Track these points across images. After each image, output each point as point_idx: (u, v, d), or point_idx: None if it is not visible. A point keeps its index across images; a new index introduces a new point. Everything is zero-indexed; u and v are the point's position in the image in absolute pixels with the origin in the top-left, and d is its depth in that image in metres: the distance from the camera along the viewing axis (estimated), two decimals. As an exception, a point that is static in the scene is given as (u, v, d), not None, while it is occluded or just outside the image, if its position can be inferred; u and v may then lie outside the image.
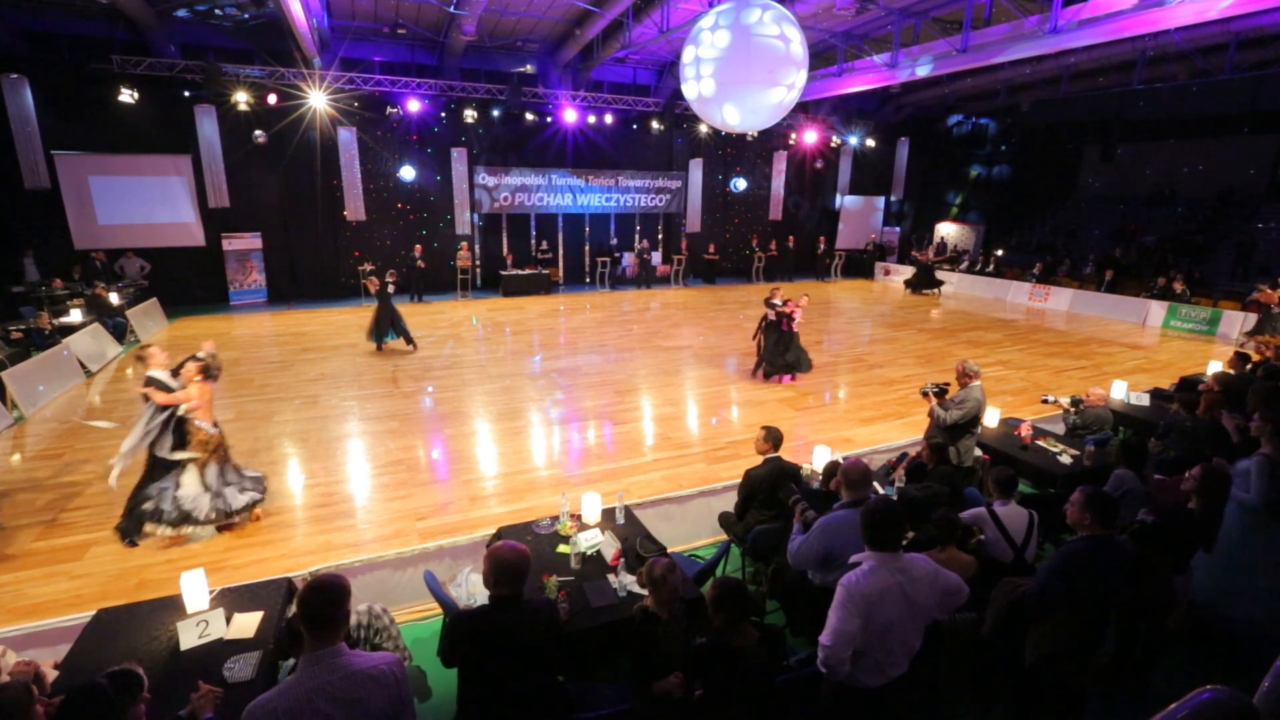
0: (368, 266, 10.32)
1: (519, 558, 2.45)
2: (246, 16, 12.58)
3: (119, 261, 13.33)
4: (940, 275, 18.20)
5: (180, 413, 4.66)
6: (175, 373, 4.79)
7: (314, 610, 1.94)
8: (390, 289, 10.36)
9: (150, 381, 4.63)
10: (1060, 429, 6.00)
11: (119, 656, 2.79)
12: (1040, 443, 5.38)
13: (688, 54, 5.58)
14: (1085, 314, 14.75)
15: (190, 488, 4.69)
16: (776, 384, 8.81)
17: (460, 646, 2.44)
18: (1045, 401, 6.25)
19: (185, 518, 4.63)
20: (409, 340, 10.45)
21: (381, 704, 1.94)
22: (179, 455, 4.68)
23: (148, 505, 4.62)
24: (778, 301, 8.94)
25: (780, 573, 3.70)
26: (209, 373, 4.80)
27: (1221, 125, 17.50)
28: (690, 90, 5.68)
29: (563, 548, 3.76)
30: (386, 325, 10.30)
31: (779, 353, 8.90)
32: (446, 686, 2.59)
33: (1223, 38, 12.83)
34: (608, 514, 4.11)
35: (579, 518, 4.02)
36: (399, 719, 2.00)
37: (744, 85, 5.34)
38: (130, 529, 4.68)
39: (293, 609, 3.21)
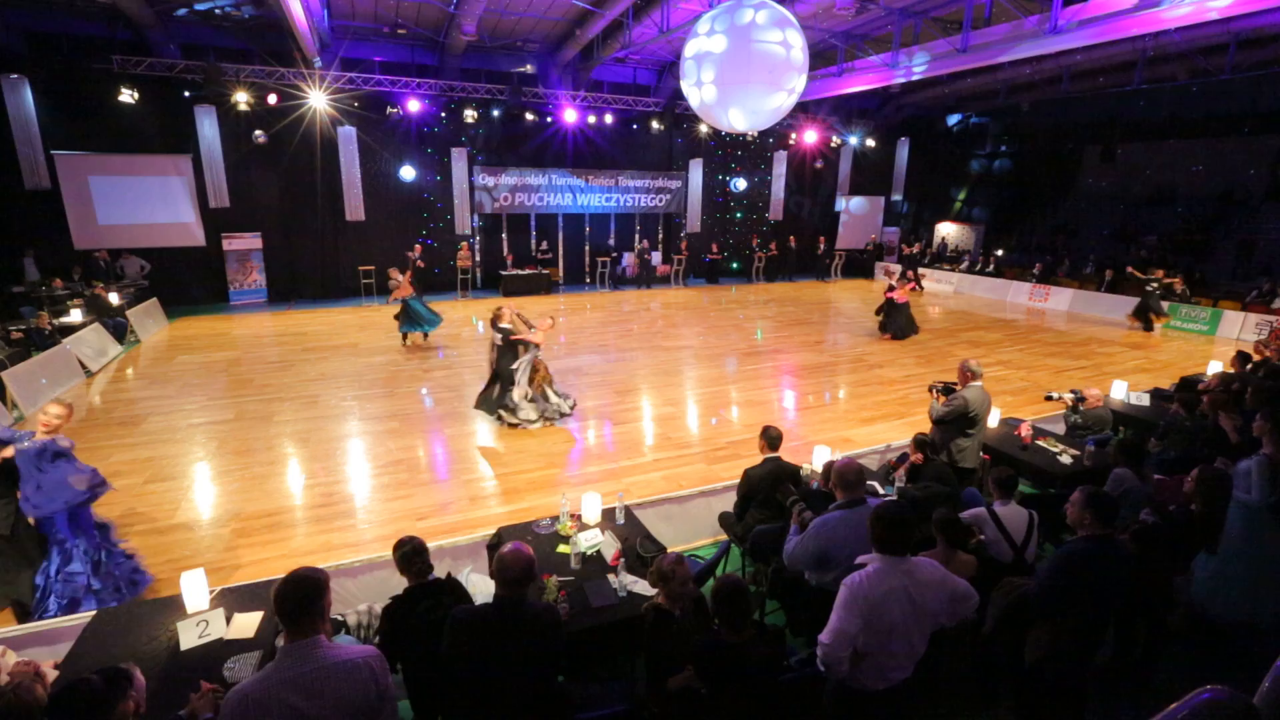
0: (395, 276, 10.93)
1: (519, 561, 2.44)
2: (246, 16, 12.58)
3: (119, 261, 13.33)
4: (936, 275, 18.20)
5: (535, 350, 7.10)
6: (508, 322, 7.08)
7: (289, 605, 1.97)
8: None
9: (507, 333, 6.91)
10: (1060, 429, 6.00)
11: (119, 656, 2.79)
12: (1040, 443, 5.38)
13: (690, 49, 5.58)
14: (1085, 314, 14.76)
15: (534, 397, 7.07)
16: (887, 340, 11.58)
17: (459, 642, 2.44)
18: (1049, 399, 6.21)
19: (516, 410, 6.94)
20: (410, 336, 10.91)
21: (354, 697, 1.93)
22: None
23: (508, 401, 6.94)
24: (895, 284, 11.84)
25: (780, 573, 3.70)
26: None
27: (1222, 125, 17.48)
28: (692, 96, 5.69)
29: (563, 548, 3.76)
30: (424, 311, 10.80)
31: (886, 317, 11.87)
32: (447, 686, 2.61)
33: (1223, 38, 12.82)
34: (608, 514, 4.10)
35: (579, 518, 4.01)
36: (378, 713, 1.99)
37: (743, 86, 5.34)
38: (489, 409, 7.08)
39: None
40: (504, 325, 6.97)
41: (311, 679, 1.90)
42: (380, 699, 1.99)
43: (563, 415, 7.23)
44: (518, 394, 6.95)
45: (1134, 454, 3.96)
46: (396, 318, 10.79)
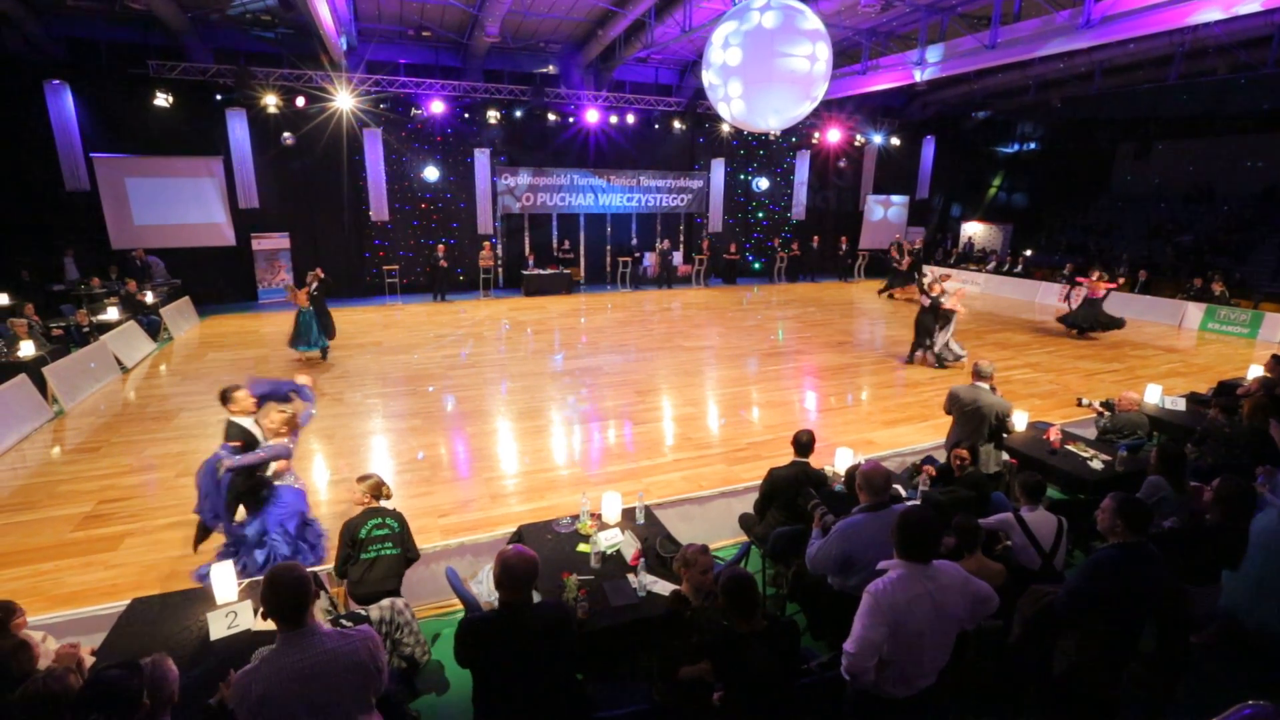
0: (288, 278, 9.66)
1: (524, 564, 2.44)
2: (274, 18, 12.83)
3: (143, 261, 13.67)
4: (962, 275, 17.80)
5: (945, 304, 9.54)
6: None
7: (282, 606, 2.04)
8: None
9: (937, 300, 9.52)
10: (1091, 433, 5.85)
11: (152, 644, 2.86)
12: (1070, 447, 5.25)
13: (711, 61, 5.52)
14: (1118, 316, 14.32)
15: (951, 341, 9.67)
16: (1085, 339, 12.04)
17: (470, 650, 2.45)
18: (1080, 403, 6.10)
19: (947, 356, 9.63)
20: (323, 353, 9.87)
21: (355, 675, 2.07)
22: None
23: (936, 348, 9.60)
24: (1081, 288, 12.52)
25: (800, 575, 3.67)
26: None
27: (1264, 121, 16.90)
28: (722, 111, 5.65)
29: (583, 546, 3.77)
30: (314, 332, 9.60)
31: (1079, 314, 12.26)
32: (464, 680, 2.62)
33: (1265, 30, 12.38)
34: (628, 513, 4.11)
35: (599, 517, 4.02)
36: (377, 686, 2.13)
37: (766, 85, 5.27)
38: (911, 354, 9.85)
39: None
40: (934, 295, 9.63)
41: (313, 665, 1.99)
42: (379, 672, 2.13)
43: (956, 358, 9.67)
44: (950, 339, 9.65)
45: (1174, 463, 3.81)
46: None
